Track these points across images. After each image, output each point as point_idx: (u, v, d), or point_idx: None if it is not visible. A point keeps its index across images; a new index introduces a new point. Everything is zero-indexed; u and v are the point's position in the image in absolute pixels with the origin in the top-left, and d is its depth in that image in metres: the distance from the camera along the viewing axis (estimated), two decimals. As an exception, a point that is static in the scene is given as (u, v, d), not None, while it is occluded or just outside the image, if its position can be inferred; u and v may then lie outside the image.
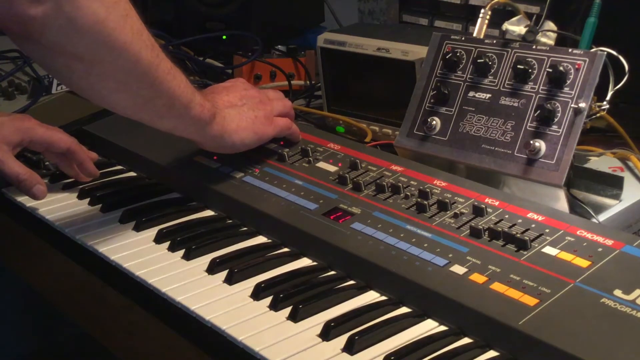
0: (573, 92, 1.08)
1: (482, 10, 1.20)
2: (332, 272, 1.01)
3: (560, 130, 1.07)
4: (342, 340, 0.87)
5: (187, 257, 1.05)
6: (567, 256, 0.91)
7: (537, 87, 1.11)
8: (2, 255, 1.35)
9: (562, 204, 1.06)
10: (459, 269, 0.93)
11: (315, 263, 1.04)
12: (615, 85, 1.10)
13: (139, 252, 1.08)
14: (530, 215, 0.99)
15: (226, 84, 1.25)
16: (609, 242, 0.92)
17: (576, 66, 1.08)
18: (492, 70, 1.16)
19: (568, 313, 0.84)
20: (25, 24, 0.91)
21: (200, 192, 1.21)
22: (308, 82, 1.74)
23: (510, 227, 0.97)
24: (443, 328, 0.90)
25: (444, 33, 1.23)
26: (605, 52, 1.08)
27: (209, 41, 1.87)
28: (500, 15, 1.23)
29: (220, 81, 1.70)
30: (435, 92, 1.20)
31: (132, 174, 1.33)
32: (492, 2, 1.19)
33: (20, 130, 1.21)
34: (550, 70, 1.09)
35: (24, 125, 1.22)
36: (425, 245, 0.98)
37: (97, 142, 1.39)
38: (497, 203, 1.02)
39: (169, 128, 1.12)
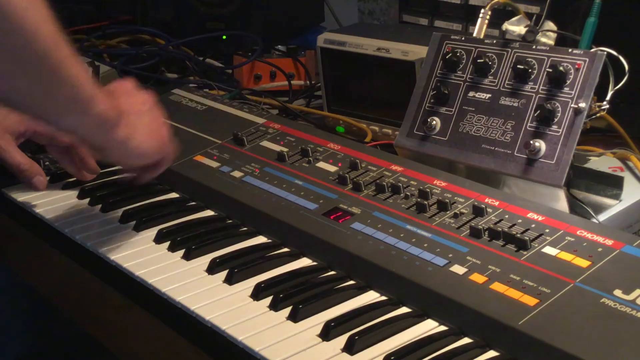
0: (573, 92, 1.08)
1: (482, 10, 1.20)
2: (332, 272, 1.01)
3: (560, 130, 1.07)
4: (342, 340, 0.87)
5: (187, 257, 1.05)
6: (567, 256, 0.91)
7: (537, 87, 1.11)
8: (2, 255, 1.35)
9: (562, 204, 1.06)
10: (459, 269, 0.93)
11: (315, 263, 1.04)
12: (615, 85, 1.10)
13: (139, 252, 1.07)
14: (530, 215, 0.99)
15: (120, 85, 1.09)
16: (609, 242, 0.92)
17: (576, 66, 1.08)
18: (492, 70, 1.16)
19: (568, 313, 0.84)
20: None
21: (200, 192, 1.21)
22: (308, 82, 1.74)
23: (510, 227, 0.97)
24: (443, 328, 0.90)
25: (444, 33, 1.23)
26: (605, 52, 1.08)
27: (209, 41, 1.87)
28: (500, 15, 1.23)
29: (221, 81, 1.72)
30: (435, 92, 1.19)
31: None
32: (492, 2, 1.19)
33: (24, 120, 1.20)
34: (550, 70, 1.09)
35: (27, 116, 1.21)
36: (425, 245, 0.98)
37: (97, 142, 1.38)
38: (497, 203, 1.02)
39: (72, 127, 0.98)
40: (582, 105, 1.06)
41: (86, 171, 1.26)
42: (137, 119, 1.05)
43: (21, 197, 1.24)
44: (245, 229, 1.12)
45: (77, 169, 1.25)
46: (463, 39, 1.20)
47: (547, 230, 0.96)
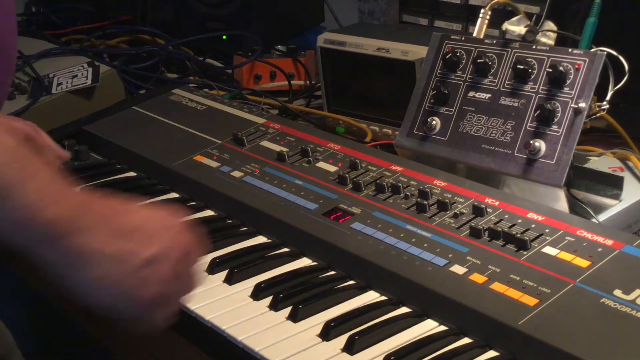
0: (573, 92, 1.08)
1: (482, 10, 1.20)
2: (332, 272, 1.01)
3: (560, 130, 1.07)
4: (342, 340, 0.87)
5: (187, 257, 1.05)
6: (567, 256, 0.91)
7: (537, 87, 1.11)
8: (2, 255, 1.35)
9: (562, 204, 1.06)
10: (459, 269, 0.93)
11: (315, 263, 1.04)
12: (615, 85, 1.10)
13: (139, 252, 1.07)
14: (530, 215, 0.99)
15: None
16: (609, 242, 0.92)
17: (576, 66, 1.08)
18: (492, 70, 1.16)
19: (568, 313, 0.84)
20: None
21: (200, 192, 1.21)
22: (308, 82, 1.74)
23: (510, 227, 0.97)
24: (443, 328, 0.90)
25: (444, 33, 1.23)
26: (605, 52, 1.08)
27: (209, 41, 1.87)
28: (500, 15, 1.23)
29: (221, 81, 1.72)
30: (435, 92, 1.19)
31: (132, 174, 1.33)
32: (492, 2, 1.19)
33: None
34: (550, 70, 1.09)
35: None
36: (425, 245, 0.98)
37: (97, 142, 1.39)
38: (497, 203, 1.02)
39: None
40: (582, 105, 1.06)
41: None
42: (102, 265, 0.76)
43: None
44: (245, 229, 1.12)
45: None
46: (463, 39, 1.20)
47: (547, 230, 0.95)
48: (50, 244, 0.74)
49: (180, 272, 0.80)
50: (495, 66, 1.16)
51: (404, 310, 0.93)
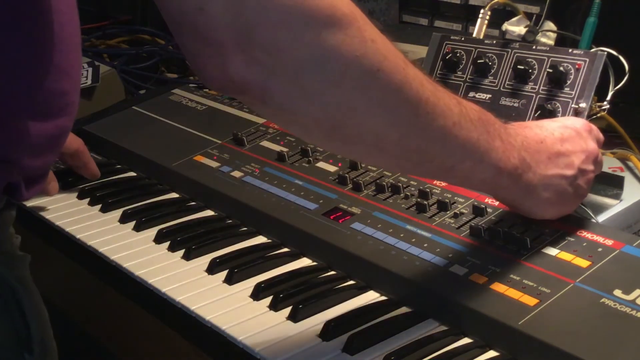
0: (573, 92, 1.08)
1: (482, 11, 1.20)
2: (332, 272, 1.01)
3: (561, 130, 1.07)
4: (342, 340, 0.87)
5: (187, 257, 1.05)
6: (567, 256, 0.91)
7: (537, 87, 1.11)
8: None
9: (562, 204, 1.06)
10: (459, 269, 0.92)
11: (315, 263, 1.03)
12: (615, 85, 1.10)
13: (139, 252, 1.07)
14: (530, 215, 0.98)
15: (563, 130, 0.95)
16: (609, 242, 0.92)
17: (576, 66, 1.08)
18: (492, 71, 1.16)
19: (568, 313, 0.84)
20: (244, 89, 0.72)
21: (200, 192, 1.21)
22: (308, 82, 1.74)
23: (510, 227, 0.97)
24: (443, 328, 0.90)
25: (444, 33, 1.23)
26: (606, 52, 1.08)
27: (209, 41, 1.87)
28: (500, 15, 1.23)
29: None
30: (435, 92, 1.19)
31: (132, 174, 1.33)
32: (492, 2, 1.19)
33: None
34: (551, 70, 1.09)
35: None
36: (425, 245, 0.97)
37: (97, 142, 1.39)
38: (497, 203, 1.02)
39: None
40: (583, 105, 1.06)
41: (87, 176, 1.27)
42: (545, 192, 0.93)
43: (21, 197, 1.24)
44: (245, 229, 1.12)
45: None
46: (463, 39, 1.20)
47: (547, 230, 0.95)
48: (514, 185, 0.90)
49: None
50: (496, 66, 1.16)
51: (404, 310, 0.93)
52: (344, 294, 0.96)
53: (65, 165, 1.29)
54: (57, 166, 1.29)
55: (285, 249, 1.07)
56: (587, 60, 1.08)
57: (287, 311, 0.92)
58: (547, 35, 1.17)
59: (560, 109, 1.08)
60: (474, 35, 1.20)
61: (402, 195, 1.07)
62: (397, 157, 0.82)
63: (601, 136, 1.00)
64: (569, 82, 1.08)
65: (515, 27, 1.17)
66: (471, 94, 1.17)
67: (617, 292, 0.84)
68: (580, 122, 0.97)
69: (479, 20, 1.20)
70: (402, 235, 1.00)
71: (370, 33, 0.76)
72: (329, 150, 0.96)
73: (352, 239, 1.01)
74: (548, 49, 1.12)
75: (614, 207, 1.10)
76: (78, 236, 1.13)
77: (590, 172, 0.96)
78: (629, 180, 1.14)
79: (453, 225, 1.00)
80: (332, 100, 0.74)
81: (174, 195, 1.24)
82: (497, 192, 0.94)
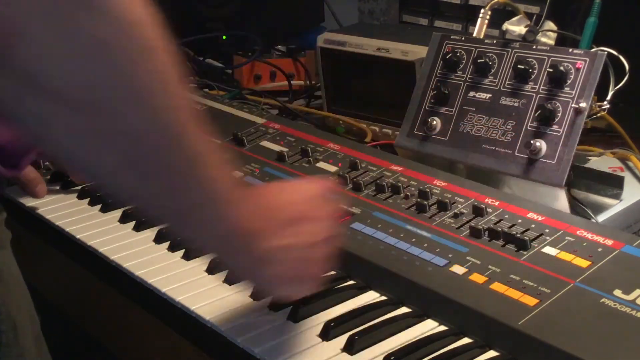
0: (573, 92, 1.08)
1: (482, 10, 1.20)
2: (332, 272, 1.01)
3: (561, 130, 1.07)
4: (342, 340, 0.87)
5: (187, 257, 1.05)
6: (567, 256, 0.91)
7: (537, 87, 1.11)
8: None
9: (563, 204, 1.06)
10: (459, 269, 0.92)
11: (315, 263, 1.03)
12: (615, 85, 1.10)
13: (139, 252, 1.07)
14: (530, 215, 0.98)
15: (301, 196, 0.86)
16: (609, 242, 0.92)
17: (576, 66, 1.08)
18: (493, 70, 1.16)
19: (568, 313, 0.84)
20: None
21: (200, 192, 1.21)
22: (308, 82, 1.74)
23: (510, 227, 0.97)
24: (443, 328, 0.90)
25: (444, 33, 1.23)
26: (606, 52, 1.08)
27: (209, 41, 1.87)
28: (500, 15, 1.23)
29: (221, 81, 1.72)
30: (435, 92, 1.19)
31: (132, 174, 1.32)
32: (492, 2, 1.19)
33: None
34: (551, 70, 1.09)
35: None
36: (425, 245, 0.97)
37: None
38: (497, 203, 1.02)
39: (194, 236, 0.79)
40: (583, 105, 1.06)
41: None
42: (289, 253, 0.80)
43: (21, 197, 1.24)
44: (245, 229, 1.12)
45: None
46: (463, 39, 1.20)
47: (547, 230, 0.95)
48: (245, 252, 0.78)
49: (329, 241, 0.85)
50: (496, 66, 1.16)
51: (404, 310, 0.93)
52: (344, 294, 0.96)
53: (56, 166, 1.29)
54: (57, 166, 1.29)
55: (285, 249, 1.07)
56: (587, 60, 1.08)
57: (287, 311, 0.92)
58: (548, 35, 1.17)
59: (560, 108, 1.08)
60: (474, 35, 1.20)
61: (402, 195, 1.07)
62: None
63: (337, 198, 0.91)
64: (569, 81, 1.08)
65: (516, 27, 1.17)
66: (471, 94, 1.17)
67: (617, 292, 0.84)
68: (319, 187, 0.89)
69: (479, 20, 1.20)
70: (402, 235, 1.00)
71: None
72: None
73: (352, 239, 1.01)
74: (548, 48, 1.12)
75: (614, 207, 1.10)
76: (78, 236, 1.13)
77: (323, 243, 0.84)
78: (629, 180, 1.14)
79: (453, 225, 1.00)
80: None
81: (174, 195, 1.24)
82: (227, 257, 0.80)
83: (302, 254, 0.82)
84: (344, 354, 0.86)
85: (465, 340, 0.87)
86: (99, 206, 1.20)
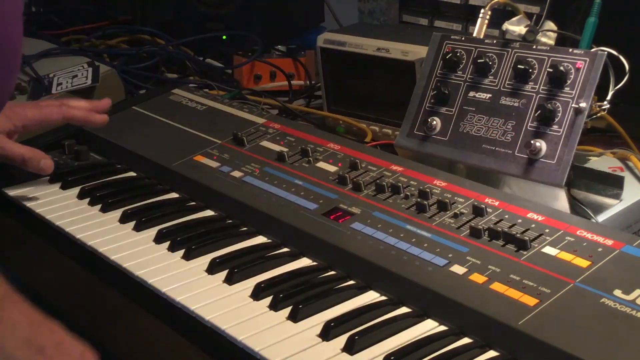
0: (574, 92, 1.08)
1: (482, 10, 1.20)
2: (332, 272, 1.01)
3: (561, 130, 1.07)
4: (342, 340, 0.87)
5: (187, 257, 1.05)
6: (567, 256, 0.91)
7: (537, 87, 1.11)
8: (2, 255, 1.35)
9: (563, 204, 1.06)
10: (459, 269, 0.92)
11: (315, 263, 1.03)
12: (615, 85, 1.10)
13: (139, 252, 1.07)
14: (530, 215, 0.98)
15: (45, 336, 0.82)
16: (609, 242, 0.92)
17: (577, 66, 1.08)
18: (493, 70, 1.16)
19: (568, 313, 0.84)
20: None
21: (200, 192, 1.21)
22: (308, 82, 1.74)
23: (510, 227, 0.97)
24: (443, 328, 0.90)
25: (444, 33, 1.23)
26: (606, 52, 1.08)
27: (209, 41, 1.87)
28: (500, 15, 1.23)
29: (221, 81, 1.72)
30: (435, 92, 1.19)
31: (132, 174, 1.33)
32: (492, 2, 1.19)
33: (10, 118, 1.20)
34: (551, 70, 1.09)
35: (12, 112, 1.21)
36: (425, 245, 0.97)
37: (97, 142, 1.39)
38: (497, 203, 1.02)
39: None
40: (583, 105, 1.06)
41: (96, 120, 1.26)
42: None
43: (20, 196, 1.24)
44: (245, 229, 1.12)
45: (85, 115, 1.25)
46: (463, 39, 1.20)
47: (547, 230, 0.95)
48: None
49: None
50: (496, 66, 1.16)
51: (404, 310, 0.93)
52: (344, 294, 0.96)
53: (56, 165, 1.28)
54: (56, 165, 1.29)
55: (285, 249, 1.07)
56: (588, 60, 1.08)
57: (287, 311, 0.92)
58: (548, 35, 1.17)
59: (560, 108, 1.08)
60: (474, 35, 1.20)
61: (402, 195, 1.07)
62: None
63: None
64: (569, 81, 1.08)
65: (516, 27, 1.17)
66: (471, 94, 1.17)
67: (617, 292, 0.84)
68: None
69: (479, 20, 1.20)
70: (402, 235, 1.00)
71: None
72: None
73: (352, 239, 1.01)
74: (548, 48, 1.12)
75: (614, 207, 1.10)
76: (78, 236, 1.13)
77: None
78: (629, 180, 1.14)
79: (453, 225, 1.00)
80: None
81: (174, 195, 1.24)
82: None
83: None
84: (344, 354, 0.86)
85: (465, 340, 0.87)
86: (99, 206, 1.20)
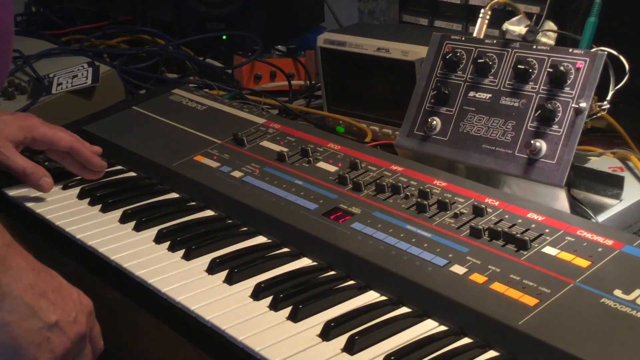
0: (574, 92, 1.08)
1: (482, 10, 1.20)
2: (332, 272, 1.01)
3: (561, 130, 1.07)
4: (342, 340, 0.87)
5: (187, 257, 1.05)
6: (567, 256, 0.91)
7: (537, 87, 1.11)
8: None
9: (563, 204, 1.06)
10: (459, 269, 0.92)
11: (315, 263, 1.03)
12: (615, 85, 1.10)
13: (139, 252, 1.07)
14: (530, 215, 0.98)
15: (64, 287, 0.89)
16: (609, 242, 0.92)
17: (577, 66, 1.08)
18: (493, 70, 1.16)
19: (568, 313, 0.84)
20: None
21: (200, 192, 1.21)
22: (308, 82, 1.74)
23: (510, 227, 0.97)
24: (443, 328, 0.90)
25: (444, 33, 1.23)
26: (606, 52, 1.08)
27: (209, 41, 1.87)
28: (500, 15, 1.23)
29: (221, 81, 1.72)
30: (435, 92, 1.19)
31: (132, 174, 1.33)
32: (492, 2, 1.19)
33: (23, 128, 1.21)
34: (551, 70, 1.09)
35: (27, 123, 1.22)
36: (425, 245, 0.97)
37: (97, 142, 1.38)
38: (497, 203, 1.02)
39: None
40: (583, 105, 1.06)
41: (93, 169, 1.27)
42: (13, 311, 0.81)
43: (20, 196, 1.24)
44: (245, 229, 1.12)
45: (82, 168, 1.26)
46: (463, 39, 1.20)
47: (547, 230, 0.95)
48: None
49: (76, 353, 0.87)
50: (496, 66, 1.16)
51: (404, 310, 0.93)
52: (344, 294, 0.96)
53: (55, 166, 1.29)
54: (56, 166, 1.29)
55: (285, 249, 1.07)
56: (588, 60, 1.08)
57: (287, 311, 0.92)
58: (548, 35, 1.17)
59: (560, 108, 1.08)
60: (474, 35, 1.20)
61: (402, 195, 1.07)
62: None
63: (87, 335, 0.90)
64: (569, 81, 1.08)
65: (516, 27, 1.17)
66: (471, 94, 1.17)
67: (617, 292, 0.84)
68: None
69: (479, 20, 1.20)
70: (402, 235, 1.00)
71: None
72: None
73: (352, 239, 1.01)
74: (548, 48, 1.12)
75: (614, 207, 1.10)
76: (78, 236, 1.13)
77: (69, 341, 0.85)
78: (629, 180, 1.14)
79: (453, 225, 1.00)
80: None
81: (174, 195, 1.24)
82: None
83: (35, 321, 0.82)
84: (344, 354, 0.86)
85: (465, 340, 0.87)
86: (99, 206, 1.20)
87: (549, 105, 1.08)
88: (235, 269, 1.00)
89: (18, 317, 0.81)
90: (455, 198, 1.04)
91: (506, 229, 0.96)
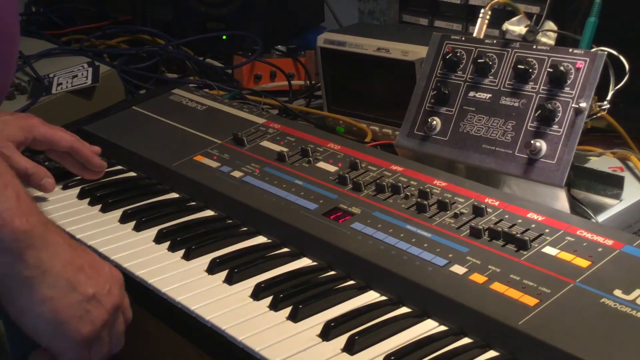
0: (574, 92, 1.08)
1: (482, 10, 1.20)
2: (332, 272, 1.01)
3: (561, 130, 1.07)
4: (342, 340, 0.87)
5: (187, 257, 1.05)
6: (567, 256, 0.91)
7: (537, 87, 1.11)
8: None
9: (563, 204, 1.06)
10: (459, 269, 0.92)
11: (315, 263, 1.03)
12: (615, 85, 1.10)
13: (139, 252, 1.07)
14: (530, 215, 0.98)
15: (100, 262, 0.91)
16: (609, 242, 0.92)
17: (577, 66, 1.08)
18: (493, 70, 1.16)
19: (568, 313, 0.84)
20: None
21: (200, 192, 1.21)
22: (308, 82, 1.74)
23: (510, 227, 0.97)
24: (443, 328, 0.90)
25: (444, 33, 1.23)
26: (606, 52, 1.08)
27: (209, 41, 1.87)
28: (500, 15, 1.23)
29: (221, 81, 1.72)
30: (435, 92, 1.19)
31: (132, 174, 1.33)
32: (492, 2, 1.19)
33: (23, 128, 1.21)
34: (551, 70, 1.09)
35: (27, 123, 1.22)
36: (425, 245, 0.97)
37: (97, 142, 1.38)
38: (497, 203, 1.02)
39: None
40: (583, 105, 1.06)
41: (93, 169, 1.27)
42: (54, 287, 0.83)
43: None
44: (245, 229, 1.12)
45: (82, 168, 1.26)
46: (463, 39, 1.20)
47: (547, 230, 0.95)
48: (15, 255, 0.81)
49: (112, 323, 0.89)
50: (496, 66, 1.16)
51: (404, 310, 0.93)
52: (344, 294, 0.96)
53: (55, 165, 1.29)
54: (56, 166, 1.29)
55: (285, 249, 1.07)
56: (588, 60, 1.08)
57: (287, 311, 0.92)
58: (548, 35, 1.17)
59: (560, 108, 1.08)
60: (474, 35, 1.20)
61: (402, 195, 1.07)
62: None
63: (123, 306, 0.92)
64: (569, 81, 1.08)
65: (516, 27, 1.17)
66: (471, 94, 1.17)
67: (617, 292, 0.84)
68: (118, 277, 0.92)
69: (479, 20, 1.20)
70: (402, 235, 1.00)
71: None
72: None
73: (352, 239, 1.01)
74: (548, 48, 1.12)
75: (614, 207, 1.10)
76: (78, 236, 1.13)
77: (106, 312, 0.87)
78: (629, 180, 1.14)
79: (453, 225, 1.00)
80: None
81: (174, 195, 1.24)
82: None
83: (75, 295, 0.85)
84: (344, 354, 0.86)
85: (465, 340, 0.87)
86: (99, 206, 1.20)
87: (549, 105, 1.08)
88: (235, 269, 1.00)
89: (59, 292, 0.83)
90: (455, 198, 1.04)
91: (506, 229, 0.96)
